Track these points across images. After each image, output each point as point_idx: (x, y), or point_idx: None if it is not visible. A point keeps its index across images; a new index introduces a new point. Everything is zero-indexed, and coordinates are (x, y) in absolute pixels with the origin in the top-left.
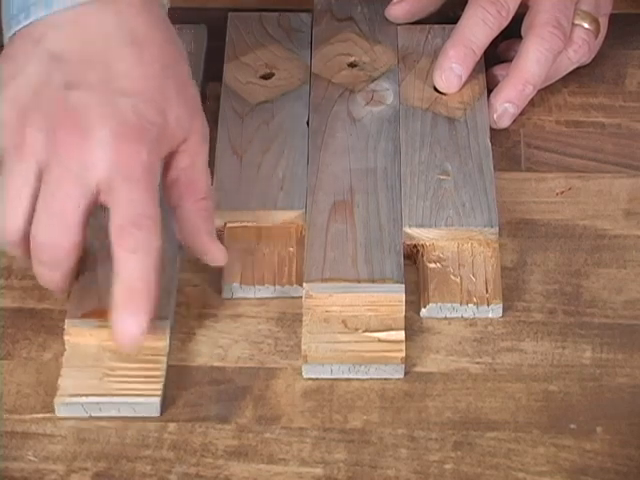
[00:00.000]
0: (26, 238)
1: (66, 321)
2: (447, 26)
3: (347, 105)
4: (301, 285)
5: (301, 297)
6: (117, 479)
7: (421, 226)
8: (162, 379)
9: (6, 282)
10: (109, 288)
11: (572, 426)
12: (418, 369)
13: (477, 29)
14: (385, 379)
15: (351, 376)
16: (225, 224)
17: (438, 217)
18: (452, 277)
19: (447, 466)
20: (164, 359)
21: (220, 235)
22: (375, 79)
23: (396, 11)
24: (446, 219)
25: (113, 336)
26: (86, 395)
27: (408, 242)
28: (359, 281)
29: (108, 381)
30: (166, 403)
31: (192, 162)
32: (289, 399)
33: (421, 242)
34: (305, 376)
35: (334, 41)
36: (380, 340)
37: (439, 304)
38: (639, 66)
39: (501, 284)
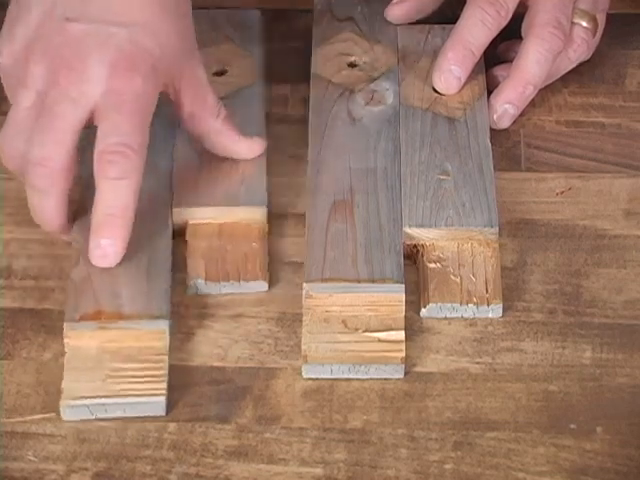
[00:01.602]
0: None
1: (65, 324)
2: (447, 26)
3: (347, 105)
4: (265, 280)
5: (264, 292)
6: (117, 479)
7: (421, 226)
8: (165, 378)
9: (6, 282)
10: (105, 290)
11: (572, 426)
12: (418, 369)
13: (476, 30)
14: (385, 379)
15: (351, 376)
16: (187, 221)
17: (438, 217)
18: (452, 277)
19: (447, 466)
20: (165, 358)
21: (182, 232)
22: (375, 79)
23: (395, 11)
24: (446, 219)
25: (91, 260)
26: (91, 397)
27: (408, 242)
28: (359, 281)
29: (112, 382)
30: (167, 403)
31: (197, 93)
32: (289, 399)
33: (421, 242)
34: (305, 376)
35: (334, 41)
36: (380, 340)
37: (439, 304)
38: (639, 66)
39: (501, 284)
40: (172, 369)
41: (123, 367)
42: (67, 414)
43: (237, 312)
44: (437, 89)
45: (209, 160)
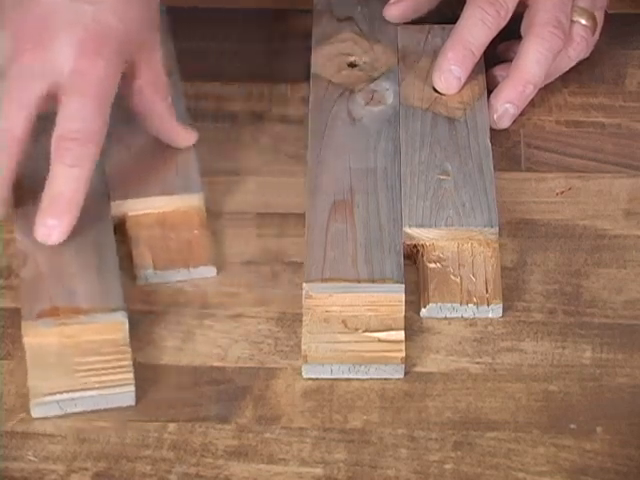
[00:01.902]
0: None
1: (22, 323)
2: (447, 26)
3: (347, 105)
4: (213, 265)
5: (212, 277)
6: (117, 479)
7: (421, 226)
8: (131, 368)
9: (6, 282)
10: (58, 286)
11: (572, 426)
12: (418, 369)
13: (476, 30)
14: (385, 379)
15: (351, 376)
16: (126, 214)
17: (438, 217)
18: (452, 277)
19: (447, 466)
20: (128, 349)
21: (122, 225)
22: (375, 79)
23: (392, 11)
24: (446, 219)
25: (35, 235)
26: (60, 392)
27: (408, 242)
28: (359, 281)
29: (78, 376)
30: (166, 403)
31: (152, 70)
32: (289, 399)
33: (421, 242)
34: (305, 376)
35: (334, 41)
36: (380, 340)
37: (439, 304)
38: (639, 66)
39: (501, 284)
40: (172, 369)
41: (87, 361)
42: (37, 412)
43: (237, 312)
44: (437, 89)
45: (141, 152)
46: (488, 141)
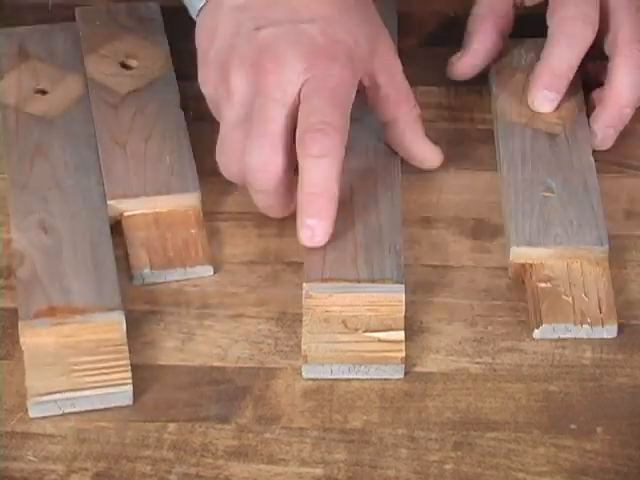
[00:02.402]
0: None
1: (19, 323)
2: (539, 39)
3: None
4: (210, 264)
5: (211, 276)
6: (117, 479)
7: (529, 245)
8: (128, 368)
9: (6, 282)
10: (55, 286)
11: (572, 426)
12: (418, 369)
13: (564, 54)
14: (385, 379)
15: (351, 376)
16: (122, 214)
17: (546, 235)
18: (564, 297)
19: (447, 466)
20: (125, 348)
21: (118, 225)
22: None
23: (460, 69)
24: (554, 237)
25: (300, 240)
26: (58, 392)
27: (516, 261)
28: (359, 281)
29: (76, 376)
30: (166, 403)
31: (392, 75)
32: (289, 399)
33: (529, 261)
34: (305, 376)
35: None
36: (380, 340)
37: (553, 325)
38: None
39: (614, 304)
40: (172, 369)
41: (85, 360)
42: (35, 411)
43: (237, 312)
44: (532, 109)
45: (135, 152)
46: (591, 156)
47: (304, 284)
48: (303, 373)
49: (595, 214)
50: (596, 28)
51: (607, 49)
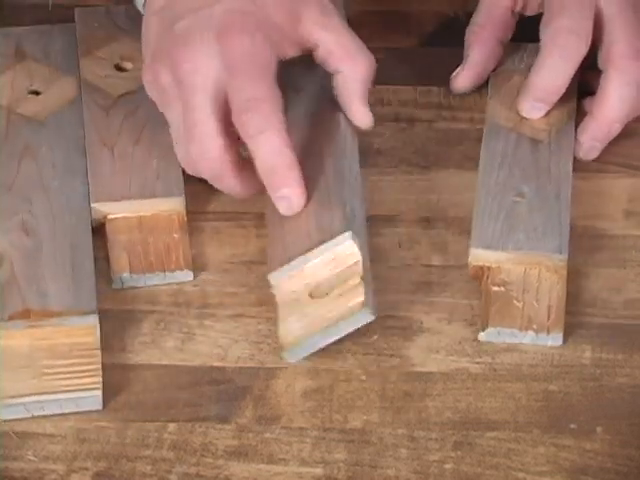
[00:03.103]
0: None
1: None
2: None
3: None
4: (190, 269)
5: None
6: (117, 479)
7: (488, 248)
8: (99, 372)
9: None
10: (31, 288)
11: (572, 426)
12: (418, 369)
13: (557, 68)
14: (385, 378)
15: (329, 341)
16: (106, 216)
17: (507, 240)
18: (515, 302)
19: (447, 466)
20: (98, 352)
21: (102, 227)
22: None
23: (461, 83)
24: (515, 242)
25: (280, 211)
26: (27, 395)
27: (474, 263)
28: (312, 248)
29: (46, 379)
30: (166, 403)
31: (331, 33)
32: (289, 399)
33: (487, 264)
34: (289, 361)
35: None
36: (341, 295)
37: (498, 328)
38: None
39: (564, 313)
40: (172, 369)
41: (56, 364)
42: (4, 413)
43: (237, 312)
44: (522, 115)
45: (123, 154)
46: (570, 166)
47: (268, 276)
48: (287, 359)
49: (560, 223)
50: (589, 41)
51: (601, 62)
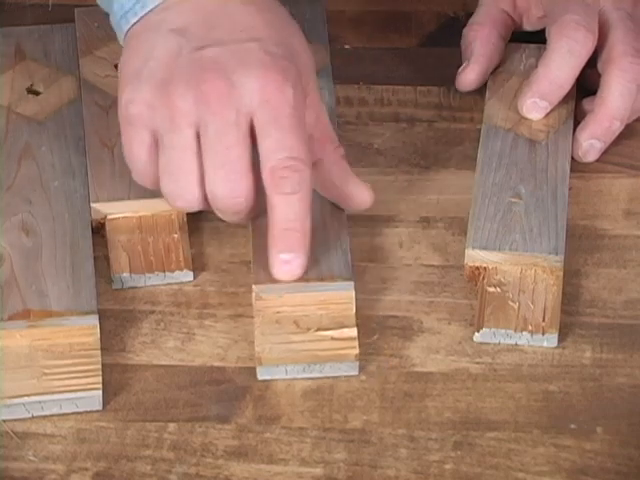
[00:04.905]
0: (207, 199)
1: None
2: (542, 46)
3: None
4: (190, 270)
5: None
6: (117, 479)
7: (485, 249)
8: (99, 372)
9: None
10: (31, 289)
11: (572, 426)
12: (418, 369)
13: (564, 63)
14: (385, 378)
15: (306, 375)
16: (106, 216)
17: (503, 241)
18: (510, 303)
19: (447, 466)
20: (98, 352)
21: (101, 228)
22: None
23: (468, 77)
24: (511, 243)
25: (274, 275)
26: (27, 395)
27: (470, 264)
28: (308, 280)
29: (46, 379)
30: (166, 403)
31: (317, 114)
32: (289, 399)
33: (483, 265)
34: (260, 378)
35: None
36: (333, 338)
37: (493, 329)
38: None
39: (560, 314)
40: (172, 369)
41: (56, 364)
42: (4, 414)
43: (237, 312)
44: (522, 115)
45: (121, 155)
46: (567, 167)
47: (253, 286)
48: (258, 375)
49: (557, 224)
50: (596, 39)
51: (601, 62)
